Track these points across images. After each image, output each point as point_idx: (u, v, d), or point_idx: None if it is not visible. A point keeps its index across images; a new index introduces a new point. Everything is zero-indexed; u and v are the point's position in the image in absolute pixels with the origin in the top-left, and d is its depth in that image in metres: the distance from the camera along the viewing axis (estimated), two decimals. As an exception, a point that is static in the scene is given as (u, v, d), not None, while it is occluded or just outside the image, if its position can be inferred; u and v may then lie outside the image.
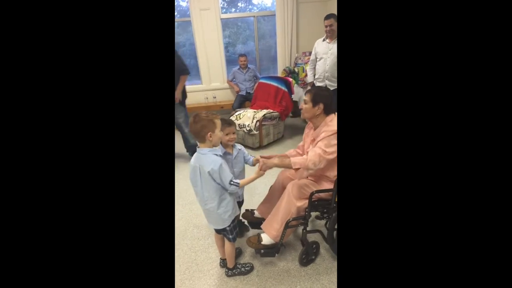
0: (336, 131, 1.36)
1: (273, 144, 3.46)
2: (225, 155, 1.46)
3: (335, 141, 1.37)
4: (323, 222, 1.85)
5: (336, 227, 1.46)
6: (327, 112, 1.45)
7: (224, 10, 4.30)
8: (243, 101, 4.15)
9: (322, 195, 1.44)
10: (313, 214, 1.79)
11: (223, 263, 1.59)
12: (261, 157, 1.60)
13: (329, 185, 1.45)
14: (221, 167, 1.22)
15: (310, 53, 3.87)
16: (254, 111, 3.37)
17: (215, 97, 4.44)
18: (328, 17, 2.75)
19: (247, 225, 1.86)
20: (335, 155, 1.38)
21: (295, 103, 3.82)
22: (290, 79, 3.65)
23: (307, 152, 1.56)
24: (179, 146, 3.18)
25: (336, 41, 2.79)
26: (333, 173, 1.44)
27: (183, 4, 4.40)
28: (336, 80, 2.89)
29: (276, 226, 1.50)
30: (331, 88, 2.82)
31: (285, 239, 1.50)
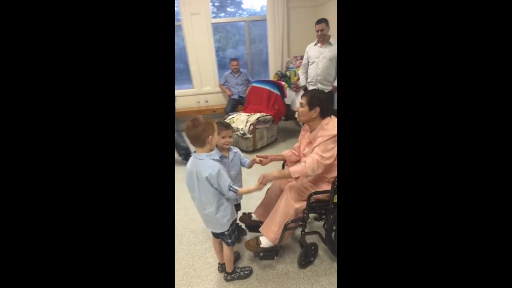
0: (332, 135, 1.38)
1: (267, 147, 3.48)
2: (221, 159, 1.46)
3: (332, 146, 1.38)
4: (320, 223, 1.87)
5: (334, 228, 1.47)
6: (323, 115, 1.47)
7: (214, 15, 4.31)
8: (235, 105, 4.16)
9: (320, 196, 1.45)
10: (311, 215, 1.80)
11: (222, 267, 1.57)
12: (257, 156, 1.63)
13: (327, 186, 1.46)
14: (219, 172, 1.21)
15: (301, 57, 3.94)
16: (248, 115, 3.38)
17: (207, 101, 4.42)
18: (319, 22, 2.81)
19: (245, 228, 1.85)
20: (333, 159, 1.40)
21: (288, 107, 3.86)
22: (283, 83, 3.68)
23: (304, 155, 1.57)
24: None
25: (327, 46, 2.85)
26: (330, 174, 1.46)
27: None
28: (328, 83, 2.95)
29: (274, 229, 1.50)
30: None
31: (283, 241, 1.50)
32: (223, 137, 1.47)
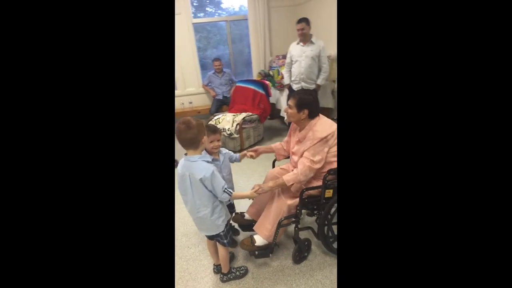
0: (320, 138, 1.41)
1: (254, 147, 3.48)
2: (213, 161, 1.45)
3: (321, 148, 1.42)
4: (312, 219, 1.90)
5: (326, 222, 1.51)
6: (311, 116, 1.48)
7: (193, 15, 4.26)
8: (220, 105, 4.13)
9: (312, 192, 1.49)
10: (303, 211, 1.83)
11: (217, 269, 1.57)
12: (248, 151, 1.67)
13: (318, 182, 1.49)
14: (213, 174, 1.20)
15: (283, 56, 3.98)
16: (233, 115, 3.37)
17: (191, 103, 4.37)
18: (299, 21, 2.85)
19: (238, 228, 1.86)
20: (323, 162, 1.44)
21: (273, 105, 3.88)
22: (267, 82, 3.70)
23: (293, 153, 1.60)
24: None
25: (309, 44, 2.90)
26: (321, 170, 1.49)
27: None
28: (311, 81, 3.00)
29: (268, 227, 1.51)
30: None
31: (278, 238, 1.52)
32: (211, 141, 1.45)
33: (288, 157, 1.75)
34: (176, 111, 4.23)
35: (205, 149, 1.43)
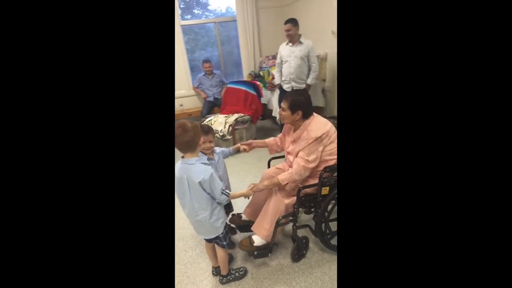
0: (315, 138, 1.42)
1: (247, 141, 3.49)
2: (208, 161, 1.45)
3: (316, 147, 1.44)
4: (309, 216, 1.92)
5: (323, 219, 1.53)
6: (306, 116, 1.49)
7: (180, 17, 4.23)
8: (211, 107, 4.11)
9: (308, 190, 1.50)
10: (300, 210, 1.85)
11: (216, 271, 1.57)
12: (241, 144, 1.69)
13: (314, 180, 1.51)
14: (212, 176, 1.20)
15: (273, 57, 4.00)
16: (225, 116, 3.37)
17: (181, 105, 4.33)
18: (286, 22, 2.88)
19: (234, 227, 1.85)
20: (318, 161, 1.45)
21: (264, 106, 3.90)
22: (258, 83, 3.72)
23: (288, 152, 1.61)
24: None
25: (298, 45, 2.93)
26: (316, 168, 1.51)
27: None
28: (301, 81, 3.03)
29: (266, 226, 1.52)
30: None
31: (276, 237, 1.52)
32: (203, 142, 1.45)
33: (282, 154, 1.77)
34: (166, 114, 4.18)
35: None
